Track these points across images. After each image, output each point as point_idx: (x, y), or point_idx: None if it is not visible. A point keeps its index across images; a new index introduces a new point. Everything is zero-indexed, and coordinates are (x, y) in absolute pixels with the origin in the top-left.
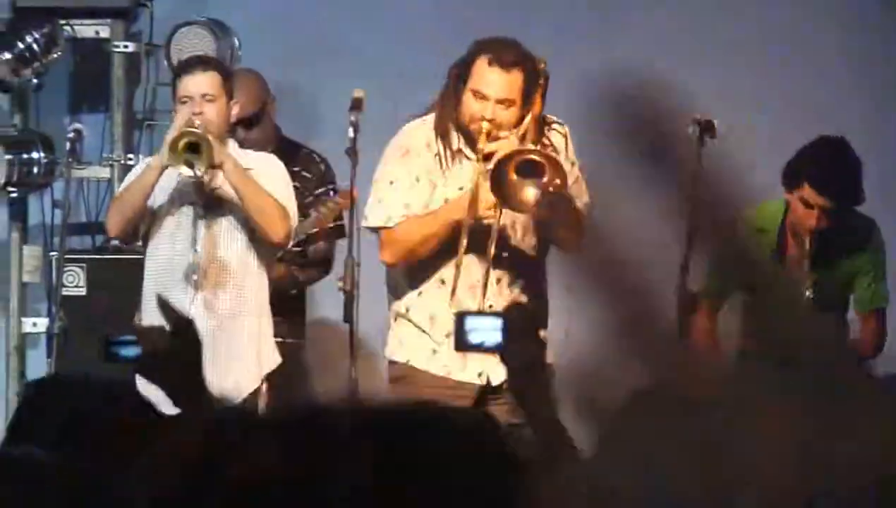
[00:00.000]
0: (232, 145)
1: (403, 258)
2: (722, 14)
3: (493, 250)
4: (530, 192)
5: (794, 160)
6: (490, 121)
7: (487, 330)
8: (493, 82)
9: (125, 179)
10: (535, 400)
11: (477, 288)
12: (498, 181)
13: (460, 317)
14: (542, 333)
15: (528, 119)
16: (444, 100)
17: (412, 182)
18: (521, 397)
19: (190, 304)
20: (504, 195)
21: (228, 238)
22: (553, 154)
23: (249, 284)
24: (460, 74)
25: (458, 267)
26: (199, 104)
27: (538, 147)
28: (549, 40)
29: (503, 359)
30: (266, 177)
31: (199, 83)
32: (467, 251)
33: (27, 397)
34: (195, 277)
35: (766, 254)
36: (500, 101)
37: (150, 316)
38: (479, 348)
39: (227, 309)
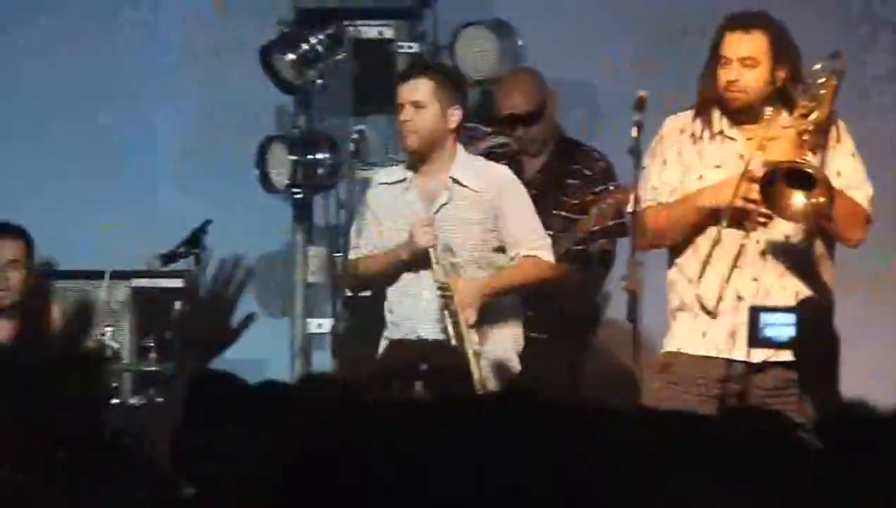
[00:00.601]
0: (459, 154)
1: (649, 243)
2: None
3: (749, 235)
4: (798, 203)
5: None
6: (734, 82)
7: (781, 326)
8: (734, 43)
9: (356, 237)
10: (829, 401)
11: (744, 267)
12: (767, 185)
13: (754, 313)
14: (835, 328)
15: (813, 116)
16: (703, 79)
17: (660, 165)
18: (812, 396)
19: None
20: (771, 200)
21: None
22: (823, 174)
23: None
24: (712, 51)
25: (711, 252)
26: (406, 111)
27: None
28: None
29: (796, 356)
30: (510, 203)
31: (409, 89)
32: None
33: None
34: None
35: None
36: (741, 61)
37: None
38: (772, 344)
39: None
